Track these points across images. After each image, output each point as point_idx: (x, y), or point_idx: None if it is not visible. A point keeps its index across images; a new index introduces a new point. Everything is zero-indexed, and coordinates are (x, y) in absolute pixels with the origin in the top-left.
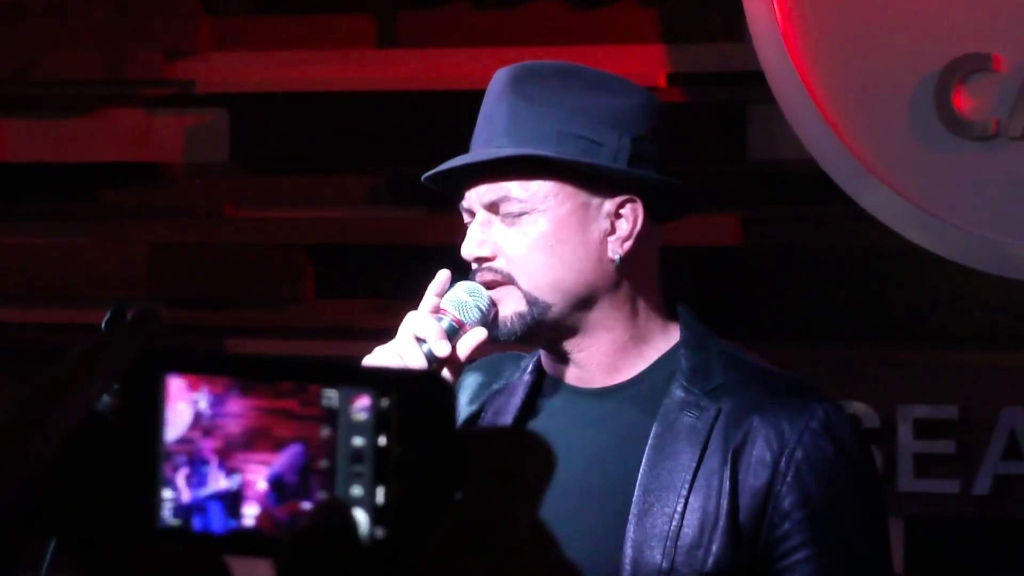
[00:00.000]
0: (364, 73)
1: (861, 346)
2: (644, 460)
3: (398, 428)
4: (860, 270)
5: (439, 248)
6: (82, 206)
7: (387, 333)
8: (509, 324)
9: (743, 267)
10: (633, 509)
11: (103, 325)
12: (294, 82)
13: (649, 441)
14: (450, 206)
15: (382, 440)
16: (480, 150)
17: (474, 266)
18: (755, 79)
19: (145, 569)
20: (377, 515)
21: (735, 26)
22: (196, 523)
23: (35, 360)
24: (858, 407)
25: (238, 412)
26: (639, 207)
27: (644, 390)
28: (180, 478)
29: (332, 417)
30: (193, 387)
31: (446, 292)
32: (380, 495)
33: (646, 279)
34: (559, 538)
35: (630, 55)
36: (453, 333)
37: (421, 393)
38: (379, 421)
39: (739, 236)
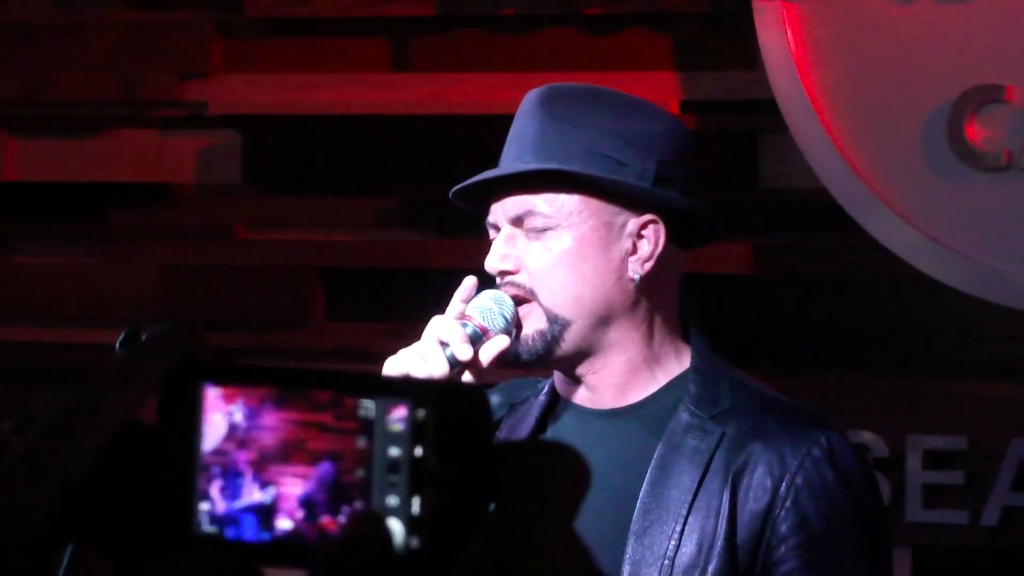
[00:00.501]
0: (376, 97)
1: (871, 375)
2: (646, 480)
3: (433, 439)
4: (871, 299)
5: (449, 272)
6: (94, 226)
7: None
8: (531, 343)
9: (754, 295)
10: (633, 527)
11: (117, 346)
12: (306, 105)
13: (652, 462)
14: (460, 230)
15: (418, 451)
16: (508, 165)
17: (498, 280)
18: (768, 107)
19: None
20: (412, 525)
21: (748, 54)
22: (229, 535)
23: (46, 380)
24: (867, 436)
25: (273, 425)
26: (661, 228)
27: (653, 412)
28: (215, 489)
29: (368, 428)
30: (229, 399)
31: (472, 299)
32: (415, 505)
33: (664, 301)
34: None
35: (643, 82)
36: (477, 339)
37: (457, 404)
38: (415, 432)
39: (750, 264)
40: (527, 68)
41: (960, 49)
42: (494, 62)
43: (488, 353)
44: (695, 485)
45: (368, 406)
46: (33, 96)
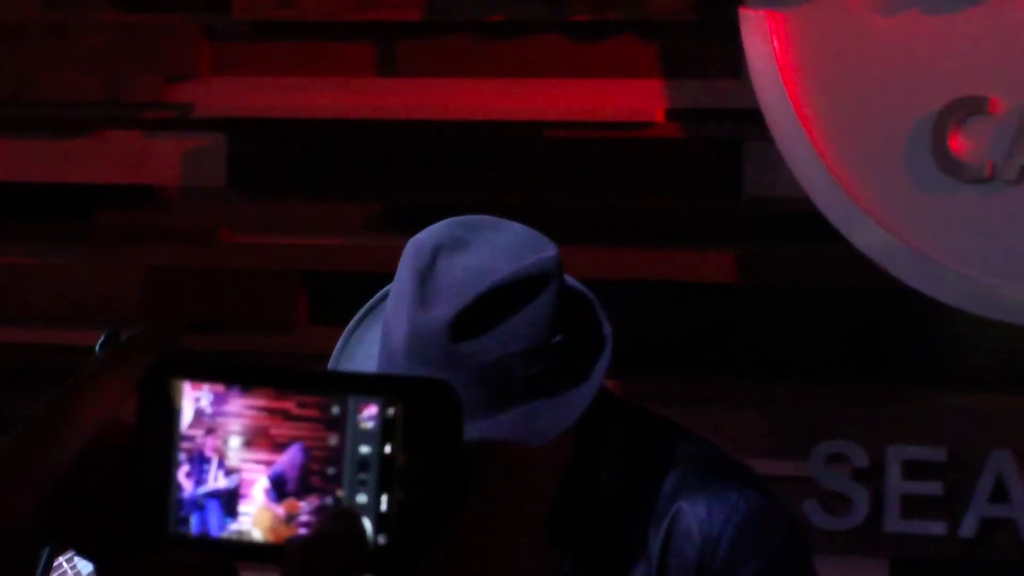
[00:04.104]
0: (363, 101)
1: (852, 386)
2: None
3: (404, 437)
4: (853, 310)
5: None
6: (78, 227)
7: None
8: None
9: (737, 304)
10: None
11: (98, 347)
12: (293, 108)
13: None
14: None
15: (387, 448)
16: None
17: None
18: (753, 116)
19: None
20: (380, 523)
21: (734, 63)
22: (195, 521)
23: (30, 381)
24: (847, 446)
25: (238, 411)
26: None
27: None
28: (182, 474)
29: (339, 424)
30: (195, 385)
31: None
32: (384, 503)
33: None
34: None
35: (628, 89)
36: None
37: (428, 401)
38: (385, 429)
39: (734, 273)
40: (514, 74)
41: (944, 60)
42: (481, 68)
43: None
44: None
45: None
46: (18, 96)
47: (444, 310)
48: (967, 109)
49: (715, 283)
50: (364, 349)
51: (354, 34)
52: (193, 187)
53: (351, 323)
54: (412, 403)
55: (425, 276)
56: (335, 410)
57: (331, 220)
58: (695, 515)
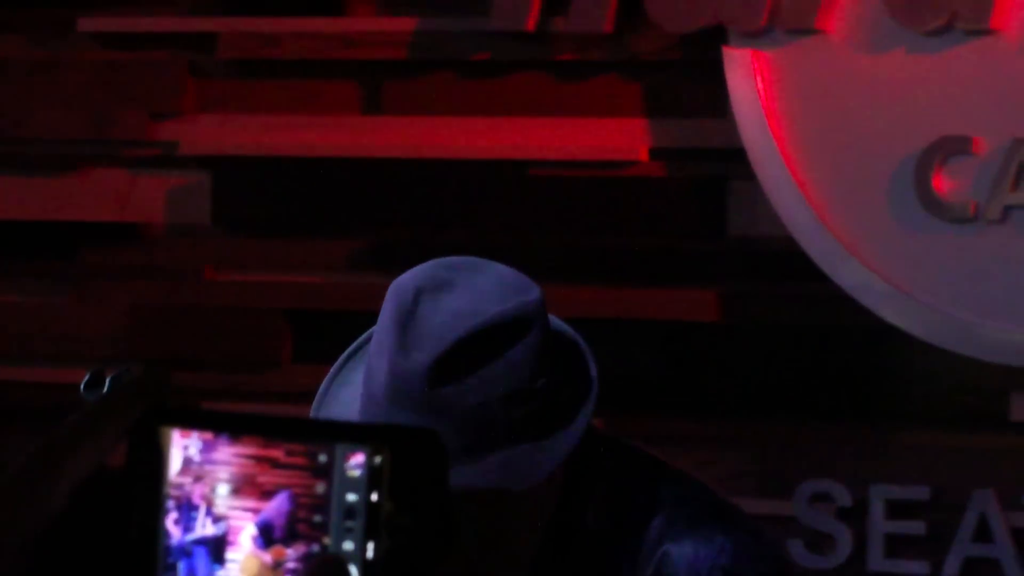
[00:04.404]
0: (347, 139)
1: (835, 424)
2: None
3: (390, 485)
4: (836, 349)
5: None
6: (63, 265)
7: None
8: None
9: (720, 343)
10: None
11: (82, 387)
12: (278, 146)
13: None
14: None
15: (374, 496)
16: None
17: None
18: (737, 155)
19: None
20: (366, 570)
21: (718, 102)
22: (183, 568)
23: (14, 419)
24: (831, 486)
25: (226, 459)
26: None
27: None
28: (170, 521)
29: (327, 472)
30: (184, 433)
31: None
32: (370, 550)
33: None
34: None
35: (612, 128)
36: None
37: (414, 450)
38: (372, 477)
39: (717, 312)
40: (498, 113)
41: (928, 100)
42: (465, 107)
43: None
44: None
45: (326, 451)
46: (3, 134)
47: (425, 355)
48: (951, 149)
49: (698, 322)
50: (348, 392)
51: (338, 73)
52: (177, 225)
53: (335, 366)
54: (398, 452)
55: (406, 319)
56: (322, 458)
57: (316, 258)
58: (682, 557)
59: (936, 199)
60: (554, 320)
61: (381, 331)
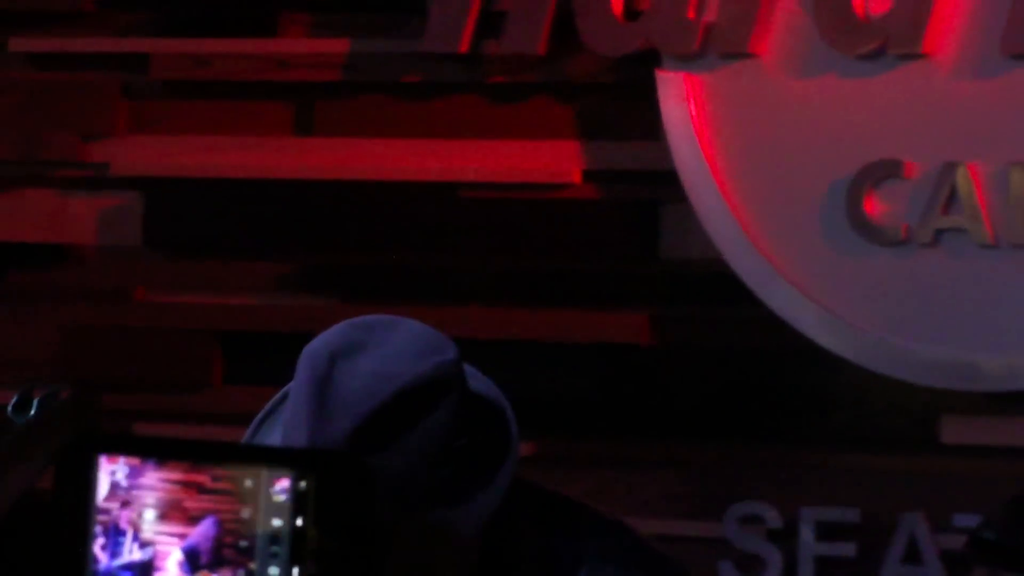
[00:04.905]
0: (280, 161)
1: (766, 447)
2: None
3: (315, 510)
4: (767, 371)
5: None
6: None
7: None
8: None
9: (652, 366)
10: None
11: (10, 408)
12: (209, 168)
13: None
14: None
15: (299, 522)
16: None
17: None
18: (669, 178)
19: None
20: None
21: (651, 125)
22: None
23: None
24: (761, 508)
25: (153, 484)
26: None
27: None
28: (96, 547)
29: (252, 497)
30: (111, 458)
31: None
32: None
33: None
34: None
35: (545, 150)
36: None
37: (340, 475)
38: (297, 503)
39: (649, 335)
40: (431, 135)
41: (860, 124)
42: (398, 128)
43: None
44: None
45: (251, 476)
46: None
47: (344, 424)
48: (882, 172)
49: (630, 344)
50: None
51: (271, 94)
52: (108, 246)
53: (249, 430)
54: (324, 477)
55: (323, 386)
56: (248, 483)
57: (247, 280)
58: None
59: (868, 222)
60: (472, 371)
61: (296, 399)
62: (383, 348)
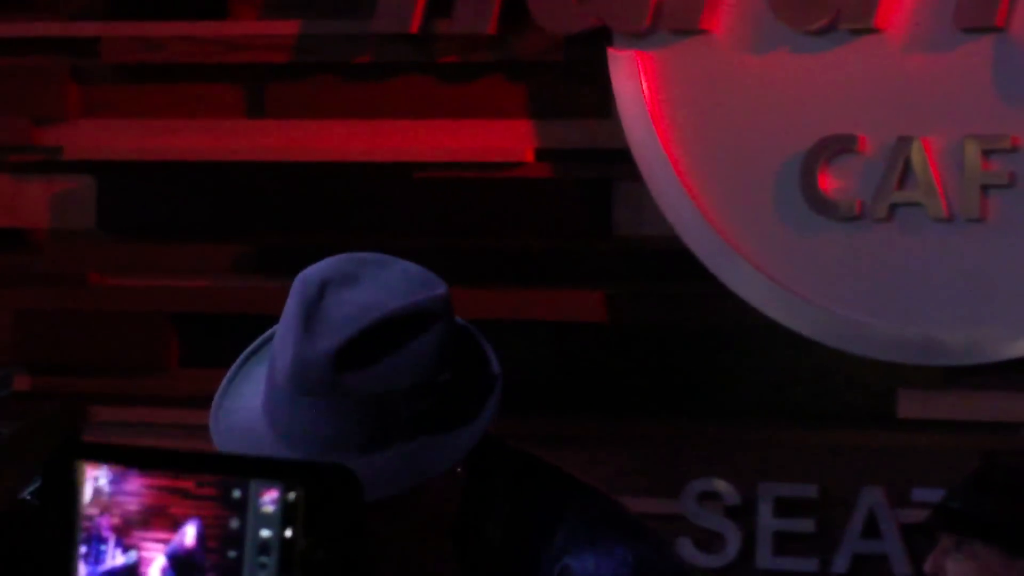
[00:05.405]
0: (232, 143)
1: (723, 423)
2: None
3: (304, 521)
4: (723, 347)
5: None
6: None
7: None
8: None
9: (608, 343)
10: None
11: None
12: (161, 151)
13: None
14: None
15: (288, 532)
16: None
17: None
18: (622, 156)
19: None
20: None
21: (603, 103)
22: None
23: None
24: (720, 484)
25: (136, 490)
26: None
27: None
28: (82, 554)
29: (241, 508)
30: (94, 464)
31: None
32: None
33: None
34: None
35: (498, 130)
36: None
37: (329, 486)
38: (286, 513)
39: (604, 312)
40: (383, 115)
41: (813, 99)
42: (349, 109)
43: None
44: None
45: (240, 487)
46: None
47: (330, 341)
48: (836, 148)
49: (585, 322)
50: (251, 387)
51: (222, 76)
52: (62, 230)
53: (238, 360)
54: (312, 488)
55: (312, 309)
56: (236, 493)
57: (201, 262)
58: (582, 570)
59: (822, 198)
60: (459, 319)
61: (286, 321)
62: (374, 281)
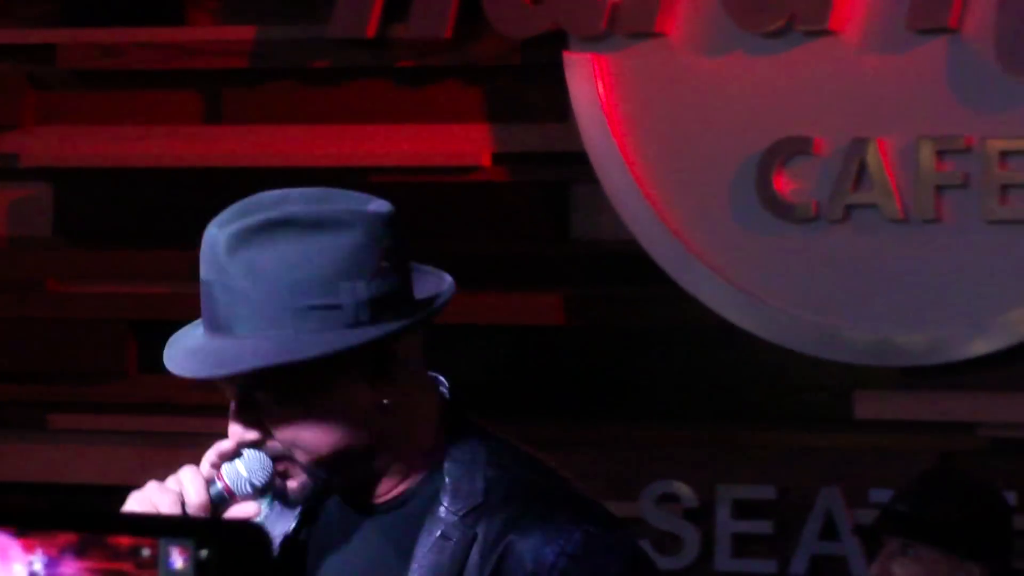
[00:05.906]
0: (189, 149)
1: (681, 425)
2: None
3: None
4: (681, 350)
5: None
6: None
7: (207, 409)
8: (298, 494)
9: (565, 346)
10: None
11: None
12: (119, 157)
13: (413, 562)
14: None
15: None
16: (211, 341)
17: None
18: (579, 159)
19: None
20: None
21: (559, 106)
22: None
23: None
24: (678, 487)
25: (73, 574)
26: (395, 352)
27: (412, 508)
28: None
29: (151, 567)
30: (28, 549)
31: (229, 456)
32: None
33: (414, 405)
34: None
35: (455, 134)
36: (221, 501)
37: (239, 543)
38: (198, 572)
39: (561, 315)
40: (341, 120)
41: (769, 101)
42: (307, 114)
43: (234, 514)
44: None
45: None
46: None
47: (234, 226)
48: (791, 149)
49: (543, 325)
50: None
51: (179, 82)
52: (19, 237)
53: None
54: (223, 546)
55: (244, 206)
56: (145, 552)
57: (159, 268)
58: (529, 546)
59: (778, 199)
60: (428, 267)
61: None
62: (314, 197)
